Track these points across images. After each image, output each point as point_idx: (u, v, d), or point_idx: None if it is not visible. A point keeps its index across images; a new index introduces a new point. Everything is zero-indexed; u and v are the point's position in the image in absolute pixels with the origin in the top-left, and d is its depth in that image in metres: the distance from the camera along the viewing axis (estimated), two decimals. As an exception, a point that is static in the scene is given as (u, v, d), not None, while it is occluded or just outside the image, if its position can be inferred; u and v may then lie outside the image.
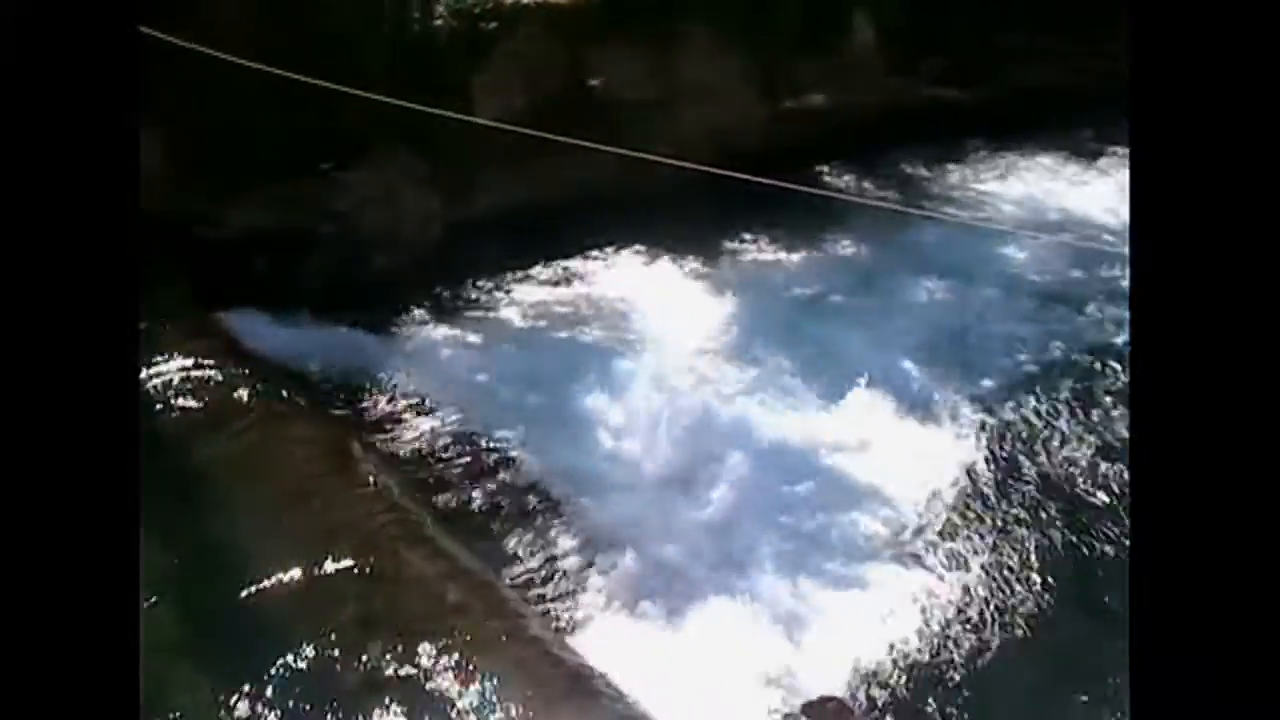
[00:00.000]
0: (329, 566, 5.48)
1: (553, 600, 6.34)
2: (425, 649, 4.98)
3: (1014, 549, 7.02)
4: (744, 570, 6.62)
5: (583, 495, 7.16)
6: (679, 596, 6.30)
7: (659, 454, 7.63)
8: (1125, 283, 10.05)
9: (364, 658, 4.95)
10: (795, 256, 10.75)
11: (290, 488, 6.27)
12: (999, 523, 7.27)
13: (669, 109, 10.86)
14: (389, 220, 9.47)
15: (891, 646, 6.17)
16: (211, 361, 7.17)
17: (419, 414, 7.93)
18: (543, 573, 6.54)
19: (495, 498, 7.16)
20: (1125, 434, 8.11)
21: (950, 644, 6.26)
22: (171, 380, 6.84)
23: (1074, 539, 7.14)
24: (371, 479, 6.48)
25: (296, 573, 5.40)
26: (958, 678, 6.05)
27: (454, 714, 4.73)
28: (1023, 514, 7.37)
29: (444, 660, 4.95)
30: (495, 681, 4.87)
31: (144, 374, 6.69)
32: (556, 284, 10.09)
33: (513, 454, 7.56)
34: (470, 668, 4.93)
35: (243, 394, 6.97)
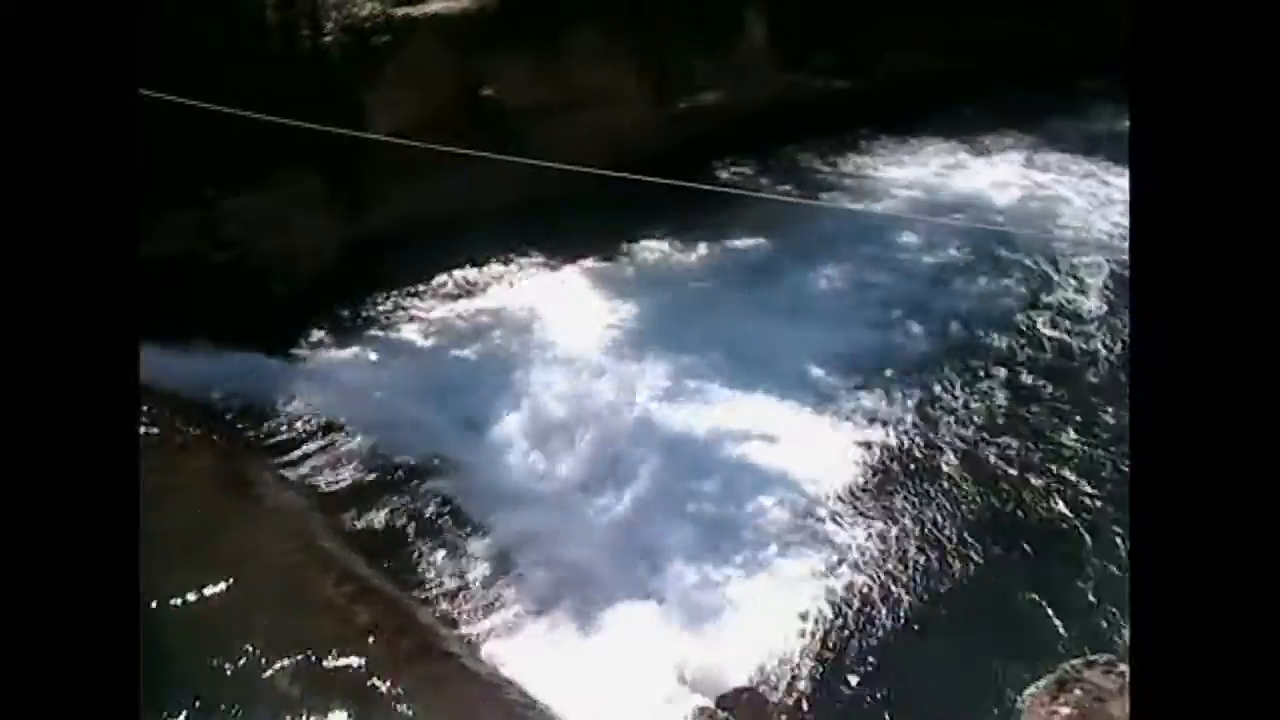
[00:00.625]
0: (235, 594, 5.42)
1: (464, 614, 6.34)
2: (335, 671, 4.96)
3: (921, 526, 7.19)
4: (656, 567, 6.70)
5: (492, 508, 7.15)
6: (591, 601, 6.34)
7: (568, 460, 7.67)
8: (1014, 257, 10.46)
9: (274, 683, 4.91)
10: (695, 254, 10.86)
11: (194, 518, 6.17)
12: (906, 502, 7.44)
13: (564, 114, 10.87)
14: (283, 243, 9.32)
15: (803, 632, 6.29)
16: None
17: (323, 435, 7.84)
18: (453, 587, 6.53)
19: (403, 516, 7.12)
20: (1006, 403, 8.48)
21: (864, 625, 6.40)
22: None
23: (982, 512, 7.32)
24: (275, 504, 6.41)
25: (201, 600, 5.34)
26: (873, 659, 6.17)
27: (367, 734, 4.73)
28: (930, 489, 7.56)
29: (355, 681, 4.94)
30: (409, 700, 4.87)
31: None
32: (457, 297, 10.04)
33: (419, 471, 7.52)
34: (384, 688, 4.92)
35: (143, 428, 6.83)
